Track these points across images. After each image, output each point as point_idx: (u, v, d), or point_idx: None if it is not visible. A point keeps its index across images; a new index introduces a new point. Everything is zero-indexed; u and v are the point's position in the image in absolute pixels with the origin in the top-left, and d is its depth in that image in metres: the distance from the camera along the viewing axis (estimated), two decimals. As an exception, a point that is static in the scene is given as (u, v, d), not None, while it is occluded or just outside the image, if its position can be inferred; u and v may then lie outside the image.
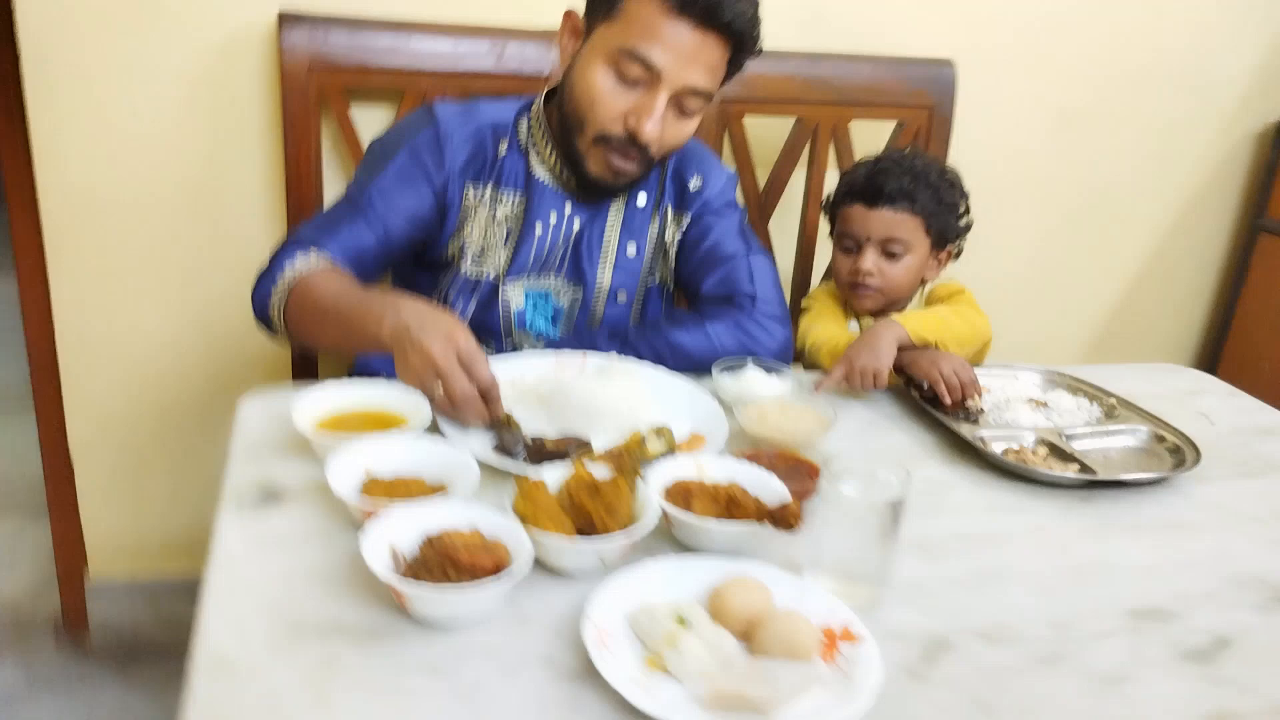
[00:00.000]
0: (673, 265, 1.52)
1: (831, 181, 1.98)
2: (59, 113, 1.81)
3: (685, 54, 1.31)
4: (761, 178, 1.98)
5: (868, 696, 0.80)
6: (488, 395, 1.14)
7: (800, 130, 1.96)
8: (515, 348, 1.49)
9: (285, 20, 1.77)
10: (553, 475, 1.02)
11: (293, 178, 1.83)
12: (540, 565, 0.95)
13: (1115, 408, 1.43)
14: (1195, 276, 2.60)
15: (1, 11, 1.76)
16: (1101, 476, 1.22)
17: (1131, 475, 1.24)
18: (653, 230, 1.51)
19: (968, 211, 1.72)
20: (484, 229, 1.46)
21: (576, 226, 1.47)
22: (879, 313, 1.68)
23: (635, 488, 1.00)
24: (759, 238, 1.56)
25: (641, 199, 1.50)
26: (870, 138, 2.02)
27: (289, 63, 1.78)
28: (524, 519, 0.94)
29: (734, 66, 1.37)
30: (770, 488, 1.04)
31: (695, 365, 1.38)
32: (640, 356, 1.40)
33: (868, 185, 1.65)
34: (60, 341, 1.97)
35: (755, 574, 0.94)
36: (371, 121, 1.87)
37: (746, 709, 0.80)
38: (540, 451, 1.14)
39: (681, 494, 1.02)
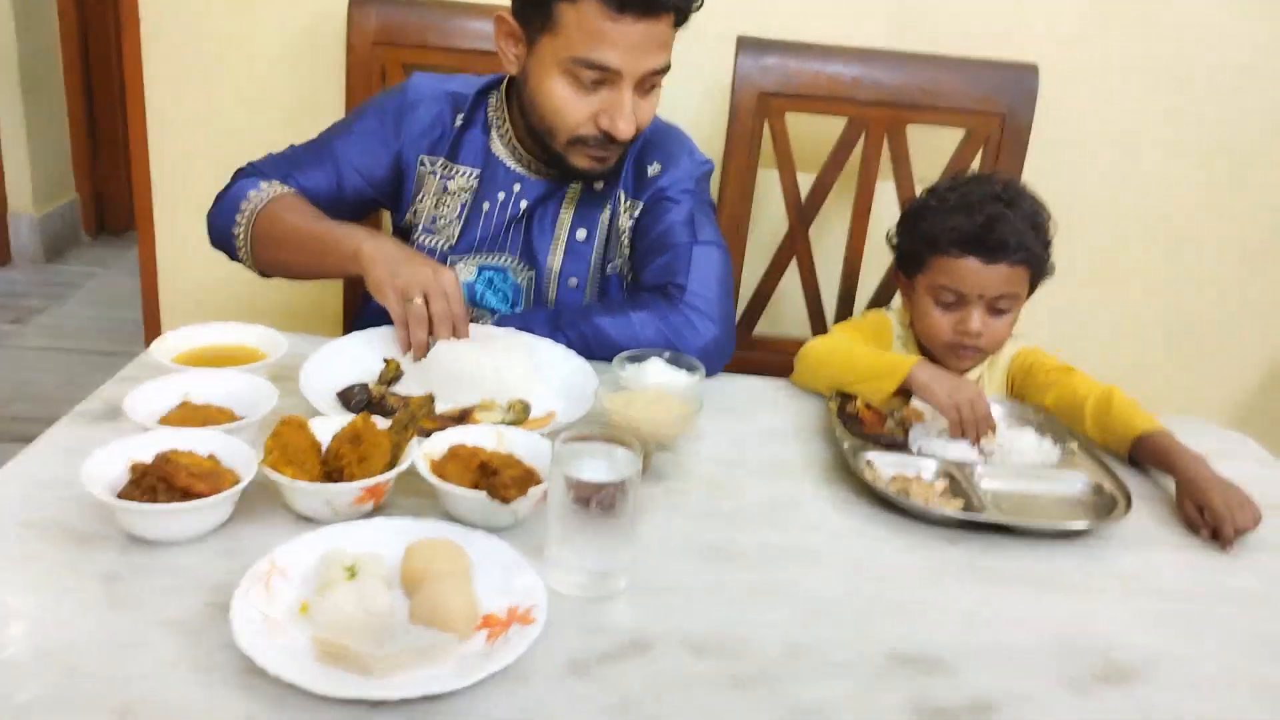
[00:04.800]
0: (627, 253, 1.48)
1: (883, 194, 1.86)
2: (170, 83, 2.04)
3: (637, 46, 1.28)
4: (805, 182, 1.88)
5: (475, 676, 0.76)
6: (458, 319, 1.24)
7: (850, 132, 1.84)
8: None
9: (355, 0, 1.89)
10: (329, 422, 1.02)
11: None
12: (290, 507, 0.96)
13: (1075, 453, 1.24)
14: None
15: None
16: (978, 518, 1.07)
17: (1008, 520, 1.08)
18: (604, 216, 1.47)
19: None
20: (436, 199, 1.49)
21: (523, 206, 1.46)
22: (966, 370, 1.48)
23: (402, 443, 0.99)
24: (717, 230, 1.47)
25: (598, 184, 1.47)
26: (933, 146, 1.87)
27: (355, 39, 1.89)
28: (266, 454, 0.95)
29: (681, 25, 1.34)
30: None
31: (618, 351, 1.33)
32: (568, 339, 1.37)
33: (985, 237, 1.37)
34: (161, 288, 2.19)
35: (474, 544, 0.90)
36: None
37: (351, 666, 0.77)
38: (379, 405, 1.15)
39: (452, 458, 1.00)
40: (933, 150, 1.88)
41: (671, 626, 0.88)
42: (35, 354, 3.34)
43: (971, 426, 1.24)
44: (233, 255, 1.46)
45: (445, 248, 1.49)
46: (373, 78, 1.90)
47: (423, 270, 1.25)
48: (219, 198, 1.47)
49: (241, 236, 1.43)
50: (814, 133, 1.88)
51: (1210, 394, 2.26)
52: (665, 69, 1.34)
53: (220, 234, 1.46)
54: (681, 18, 1.32)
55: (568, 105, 1.32)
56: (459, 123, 1.48)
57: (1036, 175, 1.80)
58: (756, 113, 1.82)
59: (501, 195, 1.47)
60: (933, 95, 1.82)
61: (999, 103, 1.82)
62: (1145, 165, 2.06)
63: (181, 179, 2.10)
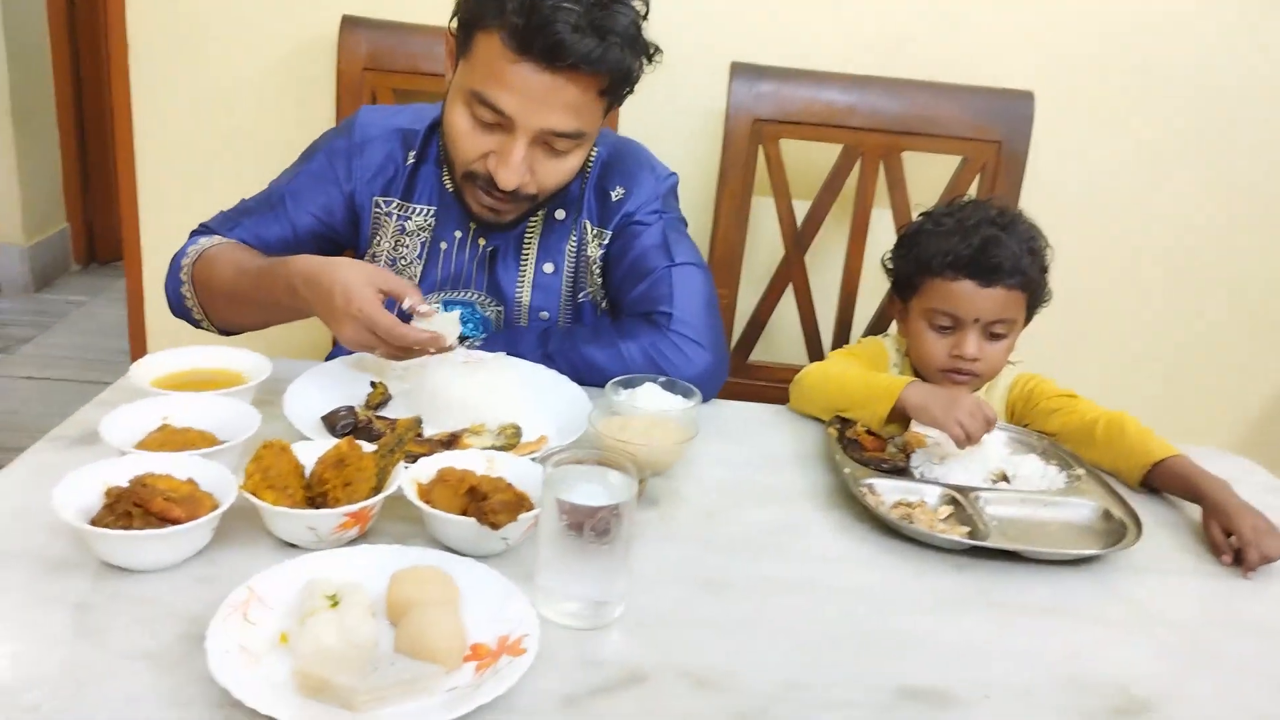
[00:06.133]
0: (599, 281, 1.44)
1: (879, 221, 1.85)
2: (158, 110, 2.02)
3: (536, 97, 1.20)
4: (801, 209, 1.86)
5: (462, 709, 0.72)
6: (404, 343, 1.14)
7: (845, 159, 1.83)
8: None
9: (346, 23, 1.88)
10: (313, 446, 0.99)
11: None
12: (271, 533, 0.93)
13: (1081, 479, 1.21)
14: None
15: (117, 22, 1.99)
16: (985, 544, 1.04)
17: (1017, 546, 1.04)
18: (570, 246, 1.42)
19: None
20: (394, 241, 1.43)
21: (482, 244, 1.41)
22: None
23: (388, 468, 0.96)
24: (693, 248, 1.42)
25: (560, 213, 1.42)
26: (930, 173, 1.86)
27: (344, 63, 1.89)
28: (246, 479, 0.91)
29: (614, 97, 1.27)
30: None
31: (609, 380, 1.30)
32: (558, 367, 1.34)
33: (980, 259, 1.35)
34: (148, 316, 2.16)
35: (463, 572, 0.87)
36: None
37: (333, 699, 0.73)
38: (366, 429, 1.12)
39: (440, 482, 0.97)
40: (929, 177, 1.86)
41: (668, 659, 0.84)
42: (21, 383, 3.29)
43: (975, 437, 1.20)
44: (192, 320, 1.41)
45: None
46: (363, 102, 1.88)
47: (344, 337, 1.16)
48: (169, 265, 1.40)
49: (190, 297, 1.37)
50: (809, 159, 1.87)
51: (1212, 421, 2.23)
52: (574, 135, 1.25)
53: (174, 300, 1.40)
54: (611, 89, 1.24)
55: (463, 137, 1.26)
56: (411, 160, 1.41)
57: (1033, 201, 1.80)
58: (751, 139, 1.80)
59: (459, 233, 1.41)
60: (928, 122, 1.81)
61: (995, 130, 1.81)
62: (1141, 191, 2.04)
63: (169, 206, 2.07)
